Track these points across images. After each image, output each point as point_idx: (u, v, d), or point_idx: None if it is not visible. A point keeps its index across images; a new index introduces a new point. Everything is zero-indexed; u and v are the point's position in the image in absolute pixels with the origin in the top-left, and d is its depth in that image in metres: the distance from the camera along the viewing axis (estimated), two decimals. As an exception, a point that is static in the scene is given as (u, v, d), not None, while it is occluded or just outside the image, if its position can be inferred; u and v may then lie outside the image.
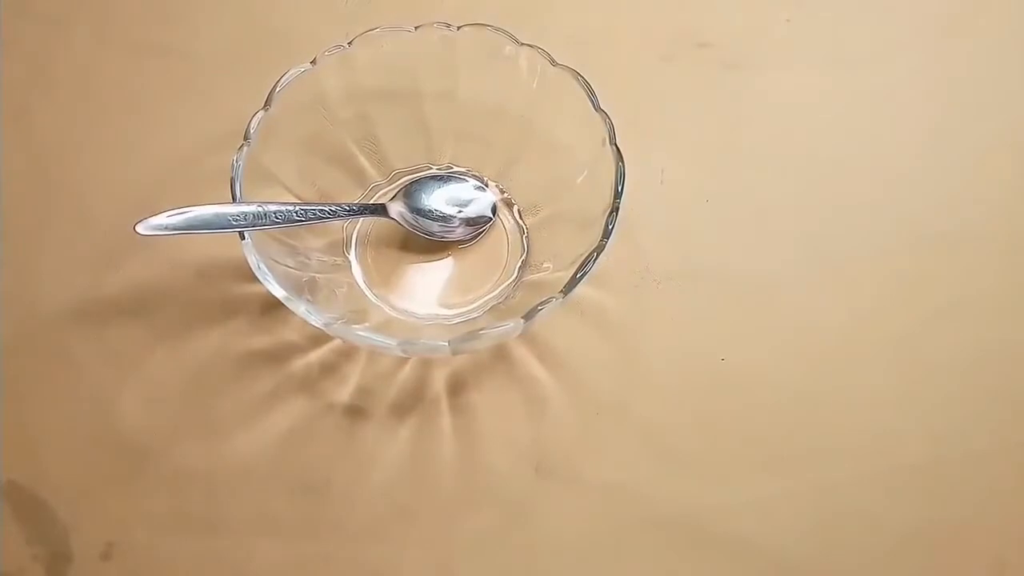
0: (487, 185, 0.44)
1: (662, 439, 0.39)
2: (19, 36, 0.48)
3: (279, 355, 0.40)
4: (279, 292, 0.34)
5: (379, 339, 0.35)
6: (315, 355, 0.40)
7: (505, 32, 0.39)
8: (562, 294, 0.35)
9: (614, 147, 0.37)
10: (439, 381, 0.40)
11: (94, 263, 0.42)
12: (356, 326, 0.35)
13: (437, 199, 0.43)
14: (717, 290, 0.42)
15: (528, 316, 0.34)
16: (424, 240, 0.42)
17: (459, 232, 0.42)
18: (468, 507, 0.38)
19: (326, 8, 0.48)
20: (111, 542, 0.37)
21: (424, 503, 0.38)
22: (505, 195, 0.44)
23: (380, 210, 0.42)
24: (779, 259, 0.43)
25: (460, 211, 0.43)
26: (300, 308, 0.34)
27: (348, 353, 0.40)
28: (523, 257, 0.42)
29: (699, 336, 0.41)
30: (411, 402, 0.40)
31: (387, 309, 0.41)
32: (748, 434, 0.39)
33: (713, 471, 0.38)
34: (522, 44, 0.39)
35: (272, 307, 0.34)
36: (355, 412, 0.39)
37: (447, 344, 0.35)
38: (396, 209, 0.42)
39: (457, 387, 0.40)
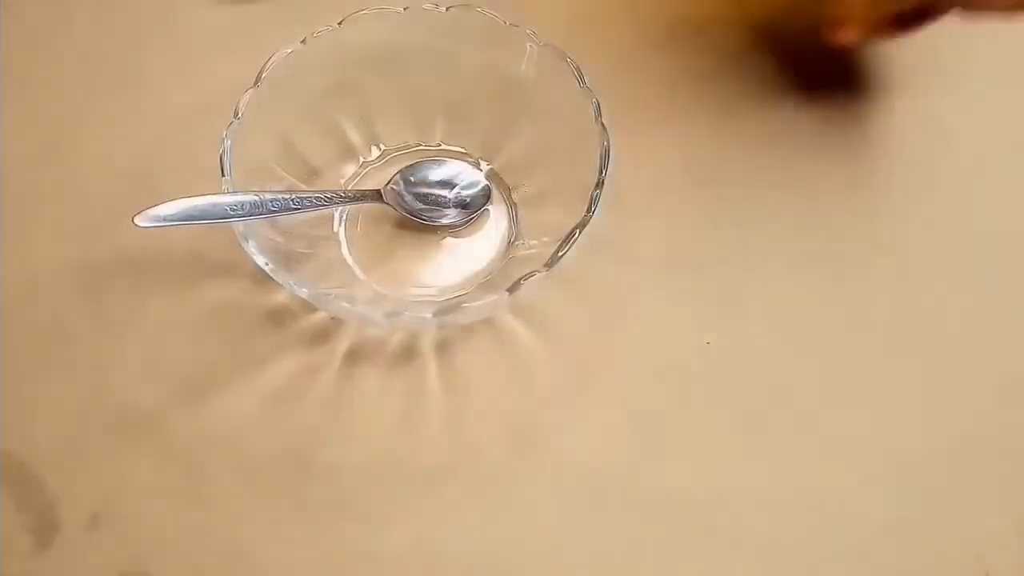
0: (479, 165, 0.44)
1: (646, 419, 0.39)
2: (19, 13, 0.49)
3: (271, 323, 0.41)
4: (268, 265, 0.35)
5: (365, 311, 0.35)
6: (307, 322, 0.41)
7: (493, 13, 0.40)
8: (546, 267, 0.35)
9: (600, 124, 0.38)
10: (428, 350, 0.40)
11: (87, 234, 0.43)
12: (343, 299, 0.36)
13: (432, 186, 0.43)
14: (705, 271, 0.42)
15: (512, 289, 0.35)
16: (416, 221, 0.42)
17: (453, 217, 0.43)
18: (452, 482, 0.38)
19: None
20: (98, 511, 0.37)
21: (408, 477, 0.38)
22: (495, 173, 0.44)
23: (375, 196, 0.42)
24: (768, 242, 0.43)
25: (455, 198, 0.43)
26: (288, 281, 0.35)
27: (339, 320, 0.41)
28: (512, 234, 0.43)
29: (685, 317, 0.41)
30: (399, 372, 0.40)
31: (375, 285, 0.41)
32: (732, 418, 0.39)
33: (695, 454, 0.39)
34: (509, 24, 0.40)
35: (264, 276, 0.35)
36: (343, 381, 0.40)
37: (431, 316, 0.35)
38: (391, 195, 0.42)
39: (446, 356, 0.40)
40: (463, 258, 0.42)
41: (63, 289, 0.41)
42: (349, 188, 0.43)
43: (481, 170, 0.44)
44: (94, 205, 0.43)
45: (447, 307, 0.35)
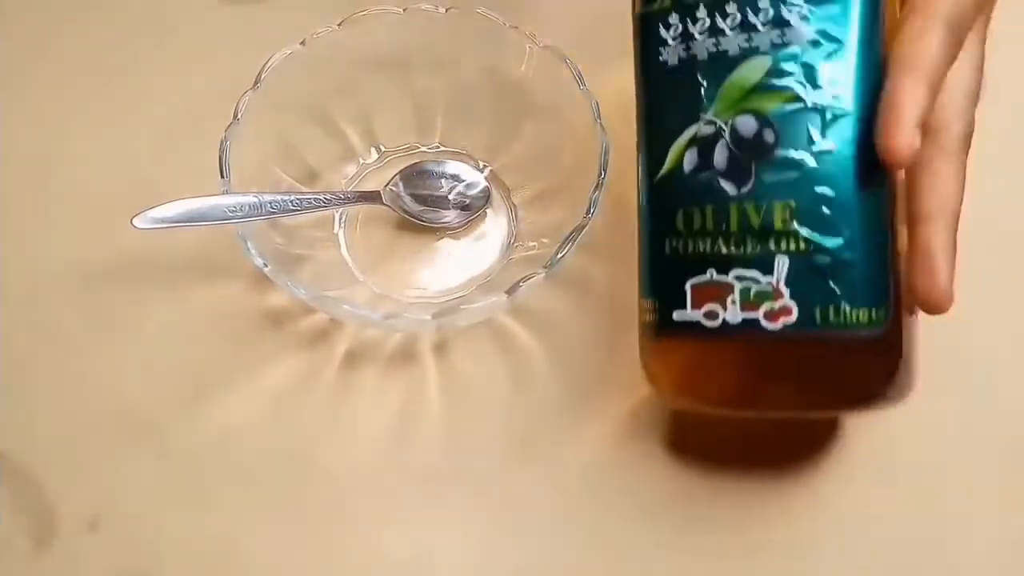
0: (479, 167, 0.44)
1: (645, 421, 0.39)
2: (18, 13, 0.49)
3: (270, 325, 0.40)
4: (266, 267, 0.35)
5: (364, 313, 0.35)
6: (305, 324, 0.41)
7: (492, 14, 0.40)
8: (545, 269, 0.35)
9: (600, 126, 0.38)
10: (428, 352, 0.40)
11: (86, 236, 0.43)
12: (342, 301, 0.36)
13: (432, 188, 0.43)
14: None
15: (511, 291, 0.35)
16: (416, 223, 0.42)
17: (452, 219, 0.43)
18: (451, 484, 0.38)
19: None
20: (98, 514, 0.37)
21: (407, 479, 0.38)
22: (494, 174, 0.44)
23: (375, 197, 0.42)
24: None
25: (454, 199, 0.43)
26: (286, 283, 0.35)
27: (338, 321, 0.41)
28: (512, 236, 0.43)
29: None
30: (398, 374, 0.40)
31: (374, 287, 0.41)
32: (730, 422, 0.39)
33: (694, 454, 0.38)
34: (509, 26, 0.40)
35: (263, 278, 0.35)
36: (342, 382, 0.40)
37: (431, 318, 0.35)
38: (390, 197, 0.42)
39: (445, 358, 0.40)
40: (462, 260, 0.42)
41: (62, 290, 0.41)
42: (348, 189, 0.43)
43: (481, 171, 0.44)
44: (93, 207, 0.43)
45: (446, 309, 0.35)
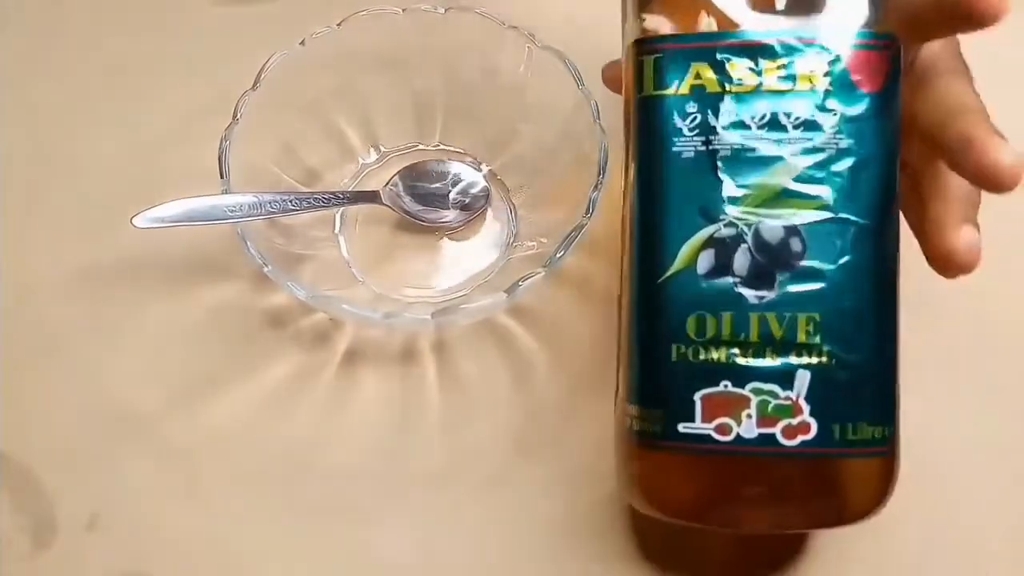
0: (478, 166, 0.44)
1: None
2: (18, 13, 0.49)
3: (270, 325, 0.41)
4: (266, 267, 0.35)
5: (363, 312, 0.35)
6: (305, 323, 0.41)
7: (491, 14, 0.40)
8: (544, 269, 0.35)
9: (599, 126, 0.38)
10: (427, 351, 0.40)
11: (86, 236, 0.43)
12: (341, 301, 0.36)
13: (431, 188, 0.43)
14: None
15: (510, 291, 0.35)
16: (415, 223, 0.42)
17: (452, 218, 0.43)
18: (451, 484, 0.38)
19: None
20: (96, 513, 0.37)
21: (407, 479, 0.38)
22: (494, 174, 0.44)
23: (374, 197, 0.42)
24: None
25: (454, 199, 0.43)
26: (286, 283, 0.35)
27: (337, 321, 0.41)
28: (511, 235, 0.43)
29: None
30: (398, 374, 0.40)
31: (374, 287, 0.41)
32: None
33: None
34: (508, 26, 0.40)
35: (263, 277, 0.35)
36: (342, 382, 0.40)
37: (430, 318, 0.35)
38: (390, 197, 0.42)
39: (445, 358, 0.40)
40: (462, 259, 0.42)
41: (62, 290, 0.41)
42: (348, 189, 0.43)
43: (480, 171, 0.44)
44: (93, 206, 0.43)
45: (446, 309, 0.35)
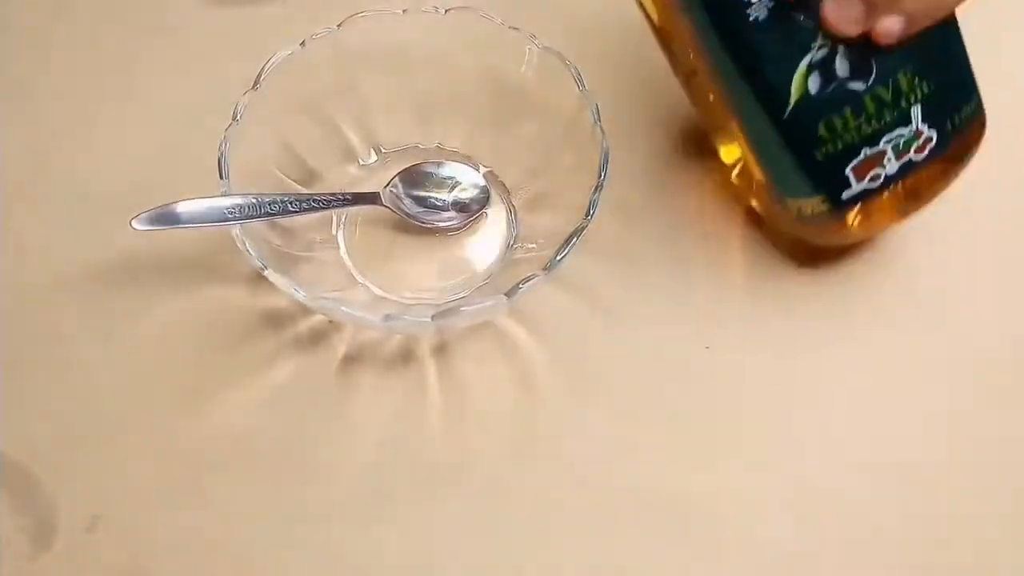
0: (478, 168, 0.44)
1: (645, 424, 0.39)
2: (19, 14, 0.49)
3: (269, 326, 0.40)
4: (265, 269, 0.35)
5: (363, 315, 0.35)
6: (305, 325, 0.41)
7: (492, 16, 0.40)
8: (545, 271, 0.35)
9: (599, 128, 0.38)
10: (427, 353, 0.40)
11: (85, 237, 0.43)
12: (341, 303, 0.36)
13: (431, 189, 0.43)
14: (705, 276, 0.42)
15: (510, 293, 0.35)
16: (415, 224, 0.42)
17: (452, 220, 0.43)
18: (450, 486, 0.38)
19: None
20: (96, 514, 0.37)
21: (406, 481, 0.38)
22: (494, 175, 0.44)
23: (374, 199, 0.42)
24: (768, 249, 0.43)
25: (454, 201, 0.43)
26: (285, 284, 0.35)
27: (337, 323, 0.41)
28: (511, 237, 0.43)
29: (684, 322, 0.41)
30: (398, 376, 0.40)
31: (373, 288, 0.41)
32: (732, 421, 0.39)
33: (696, 458, 0.39)
34: (509, 27, 0.40)
35: (262, 279, 0.35)
36: (341, 384, 0.40)
37: (430, 320, 0.35)
38: (390, 198, 0.42)
39: (445, 360, 0.40)
40: (462, 261, 0.42)
41: (61, 292, 0.41)
42: (347, 191, 0.43)
43: (480, 173, 0.44)
44: (92, 208, 0.43)
45: (445, 311, 0.35)
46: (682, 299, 0.42)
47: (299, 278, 0.38)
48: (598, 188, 0.36)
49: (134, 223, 0.36)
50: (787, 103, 0.35)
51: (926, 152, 0.36)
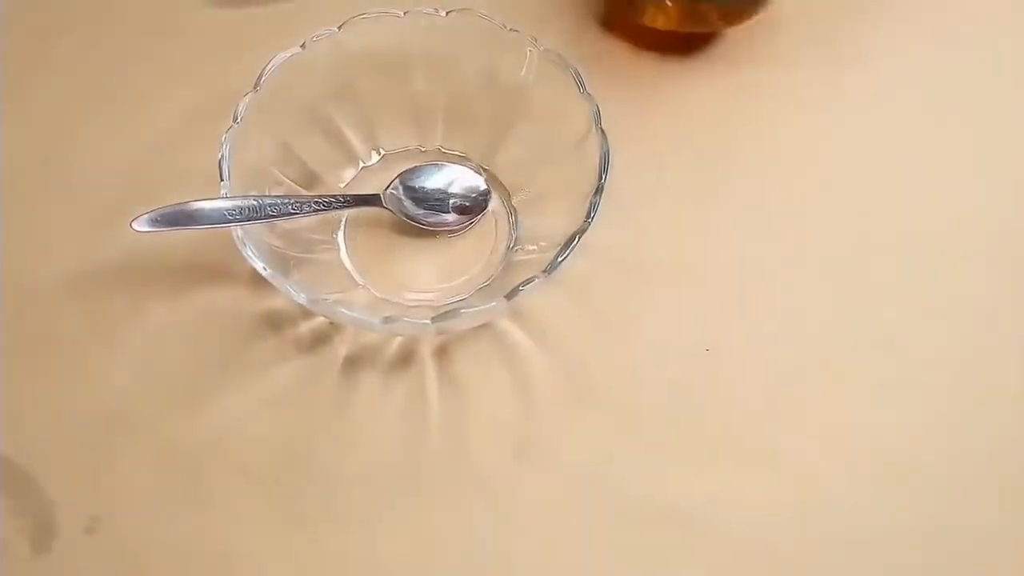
0: (478, 170, 0.44)
1: (645, 427, 0.39)
2: (19, 15, 0.49)
3: (269, 328, 0.41)
4: (266, 270, 0.35)
5: (363, 317, 0.35)
6: (305, 327, 0.41)
7: (493, 17, 0.40)
8: (545, 273, 0.35)
9: (600, 130, 0.38)
10: (427, 356, 0.40)
11: (85, 238, 0.43)
12: (341, 305, 0.36)
13: (431, 191, 0.43)
14: (705, 280, 0.42)
15: (510, 296, 0.35)
16: (415, 226, 0.42)
17: (452, 222, 0.43)
18: (450, 488, 0.38)
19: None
20: (96, 516, 0.37)
21: (406, 483, 0.38)
22: (494, 177, 0.44)
23: (374, 200, 0.42)
24: (769, 251, 0.43)
25: (454, 203, 0.43)
26: (285, 286, 0.35)
27: (337, 325, 0.41)
28: (511, 239, 0.43)
29: (684, 324, 0.41)
30: (398, 378, 0.40)
31: (373, 290, 0.41)
32: (731, 425, 0.39)
33: (694, 461, 0.39)
34: (510, 29, 0.40)
35: (262, 280, 0.35)
36: (341, 386, 0.40)
37: (430, 322, 0.35)
38: (390, 200, 0.42)
39: (445, 362, 0.40)
40: (462, 263, 0.42)
41: (61, 293, 0.41)
42: (348, 192, 0.43)
43: (480, 175, 0.44)
44: (92, 209, 0.43)
45: (446, 313, 0.35)
46: (681, 301, 0.42)
47: (300, 280, 0.38)
48: (598, 190, 0.36)
49: (134, 224, 0.36)
50: None
51: None
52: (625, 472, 0.38)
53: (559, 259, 0.35)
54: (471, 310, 0.35)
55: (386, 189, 0.43)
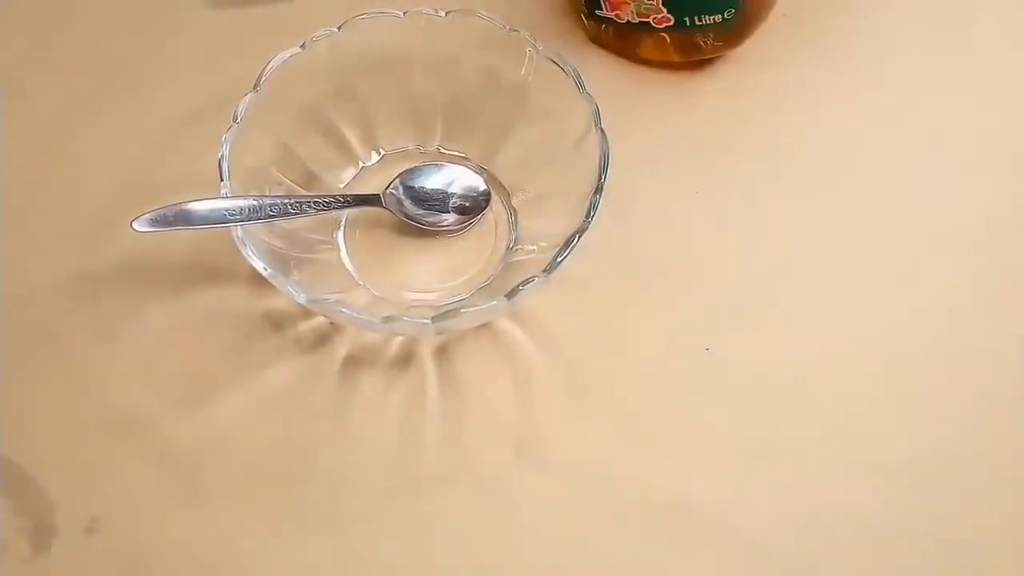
0: (478, 170, 0.44)
1: (644, 426, 0.39)
2: (19, 15, 0.49)
3: (269, 328, 0.41)
4: (266, 270, 0.35)
5: (363, 316, 0.35)
6: (305, 327, 0.41)
7: (493, 18, 0.40)
8: (544, 273, 0.35)
9: (599, 130, 0.38)
10: (427, 355, 0.40)
11: (86, 239, 0.43)
12: (341, 304, 0.36)
13: (431, 191, 0.43)
14: (705, 279, 0.42)
15: (510, 295, 0.35)
16: (415, 226, 0.42)
17: (452, 222, 0.43)
18: (450, 488, 0.38)
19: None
20: (96, 516, 0.37)
21: (406, 483, 0.38)
22: (494, 177, 0.44)
23: (374, 200, 0.42)
24: (768, 251, 0.43)
25: (454, 203, 0.43)
26: (286, 286, 0.35)
27: (337, 324, 0.41)
28: (511, 239, 0.43)
29: (684, 324, 0.41)
30: (398, 378, 0.40)
31: (373, 290, 0.41)
32: (731, 425, 0.39)
33: (693, 461, 0.39)
34: (510, 30, 0.40)
35: (262, 280, 0.35)
36: (342, 386, 0.40)
37: (430, 322, 0.35)
38: (390, 200, 0.42)
39: (445, 362, 0.40)
40: (462, 263, 0.42)
41: (61, 293, 0.41)
42: (348, 192, 0.43)
43: (480, 175, 0.44)
44: (92, 209, 0.43)
45: (446, 313, 0.35)
46: (681, 301, 0.42)
47: (300, 280, 0.38)
48: (598, 190, 0.37)
49: (135, 224, 0.36)
50: None
51: (662, 27, 0.44)
52: (625, 472, 0.38)
53: (559, 259, 0.35)
54: (471, 310, 0.35)
55: (386, 189, 0.43)
